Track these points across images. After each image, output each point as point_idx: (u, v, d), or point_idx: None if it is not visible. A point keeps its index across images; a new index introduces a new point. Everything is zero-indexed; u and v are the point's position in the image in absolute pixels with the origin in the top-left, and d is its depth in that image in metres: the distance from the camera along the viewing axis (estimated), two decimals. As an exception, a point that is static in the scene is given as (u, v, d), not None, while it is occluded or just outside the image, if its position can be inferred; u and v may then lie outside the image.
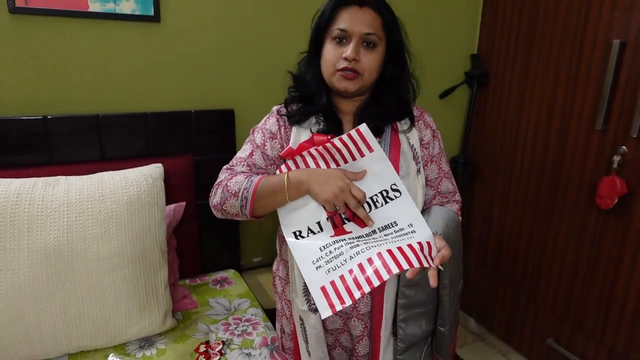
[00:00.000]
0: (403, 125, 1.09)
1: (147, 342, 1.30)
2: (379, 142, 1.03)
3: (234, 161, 1.11)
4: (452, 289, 1.11)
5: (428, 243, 0.91)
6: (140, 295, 1.27)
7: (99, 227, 1.21)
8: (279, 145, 1.09)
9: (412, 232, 0.95)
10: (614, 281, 1.67)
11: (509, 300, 2.14)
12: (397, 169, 1.02)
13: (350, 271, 0.88)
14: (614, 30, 1.57)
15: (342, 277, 0.89)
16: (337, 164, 1.00)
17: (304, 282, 1.02)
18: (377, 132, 1.04)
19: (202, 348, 1.28)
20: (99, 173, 1.33)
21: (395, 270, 0.85)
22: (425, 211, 1.12)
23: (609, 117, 1.61)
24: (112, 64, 1.52)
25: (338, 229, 0.97)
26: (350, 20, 0.99)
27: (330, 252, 0.93)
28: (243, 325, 1.41)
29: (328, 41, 1.02)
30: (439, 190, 1.14)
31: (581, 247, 1.77)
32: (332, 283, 0.89)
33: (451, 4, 2.07)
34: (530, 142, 1.94)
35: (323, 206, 0.98)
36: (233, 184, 1.02)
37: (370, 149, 0.98)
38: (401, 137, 1.08)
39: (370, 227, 0.97)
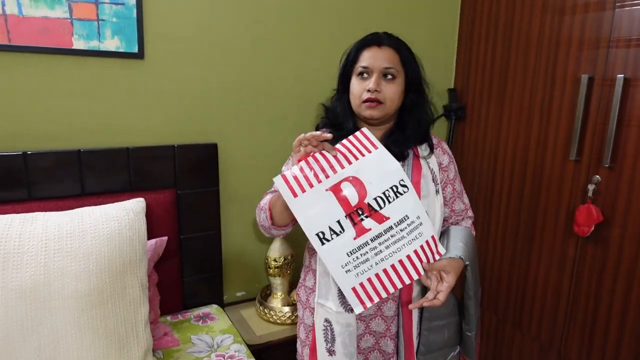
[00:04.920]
0: (423, 151, 1.25)
1: (125, 383, 1.26)
2: (403, 166, 1.16)
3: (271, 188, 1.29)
4: (476, 297, 1.27)
5: (427, 243, 1.11)
6: (120, 333, 1.23)
7: (78, 263, 1.18)
8: None
9: (420, 225, 1.10)
10: (595, 308, 1.68)
11: (494, 329, 2.14)
12: (418, 190, 1.18)
13: (377, 275, 1.07)
14: (582, 66, 1.65)
15: (369, 280, 1.07)
16: (342, 166, 1.09)
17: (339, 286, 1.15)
18: (401, 157, 1.20)
19: (184, 388, 1.24)
20: (79, 208, 1.31)
21: (407, 281, 1.09)
22: (444, 232, 1.30)
23: (582, 147, 1.67)
24: (94, 100, 1.53)
25: (358, 227, 1.06)
26: (370, 58, 1.17)
27: (357, 257, 1.07)
28: (226, 363, 1.38)
29: (354, 77, 1.20)
30: (452, 208, 1.32)
31: (562, 275, 1.79)
32: (361, 285, 1.07)
33: (428, 41, 2.15)
34: (508, 172, 1.99)
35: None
36: (262, 201, 1.24)
37: (375, 147, 1.10)
38: (422, 161, 1.23)
39: (386, 222, 1.07)
